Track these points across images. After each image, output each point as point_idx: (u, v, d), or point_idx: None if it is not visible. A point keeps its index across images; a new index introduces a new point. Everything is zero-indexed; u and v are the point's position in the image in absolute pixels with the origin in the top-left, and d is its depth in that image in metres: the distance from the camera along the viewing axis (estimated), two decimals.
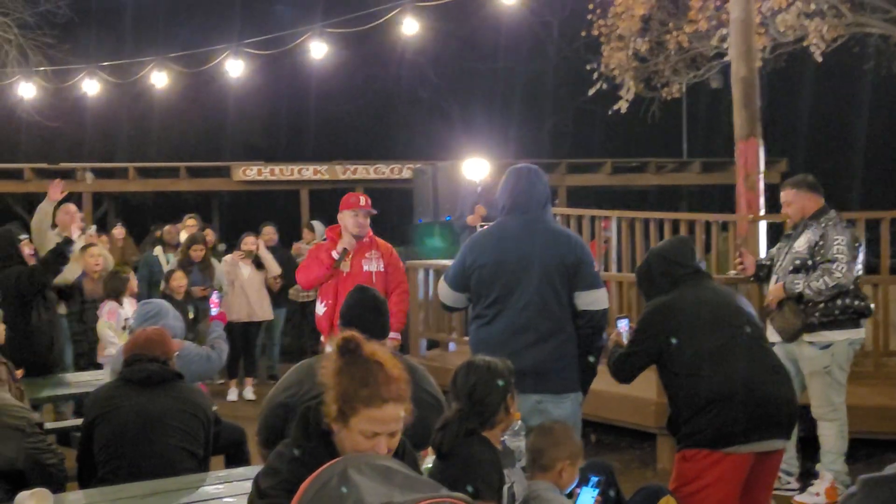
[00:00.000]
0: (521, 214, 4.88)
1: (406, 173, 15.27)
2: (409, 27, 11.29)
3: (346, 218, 6.65)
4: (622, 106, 13.75)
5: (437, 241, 11.30)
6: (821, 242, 6.16)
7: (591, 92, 14.06)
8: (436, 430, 3.76)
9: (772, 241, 7.64)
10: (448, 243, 11.30)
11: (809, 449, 6.48)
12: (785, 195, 6.46)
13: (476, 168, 10.82)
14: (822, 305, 6.13)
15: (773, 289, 6.34)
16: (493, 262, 4.82)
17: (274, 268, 10.37)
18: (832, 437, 6.25)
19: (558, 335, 4.74)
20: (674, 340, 4.53)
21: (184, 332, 6.09)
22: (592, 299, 4.77)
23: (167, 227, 11.76)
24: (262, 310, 10.39)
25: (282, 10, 22.61)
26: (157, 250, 11.07)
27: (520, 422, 4.18)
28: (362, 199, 6.76)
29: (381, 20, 11.31)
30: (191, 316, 8.89)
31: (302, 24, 13.07)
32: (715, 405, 4.39)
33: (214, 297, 7.22)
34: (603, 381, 7.82)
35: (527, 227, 4.84)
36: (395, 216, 19.33)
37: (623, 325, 4.98)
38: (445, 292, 5.10)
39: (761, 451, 4.43)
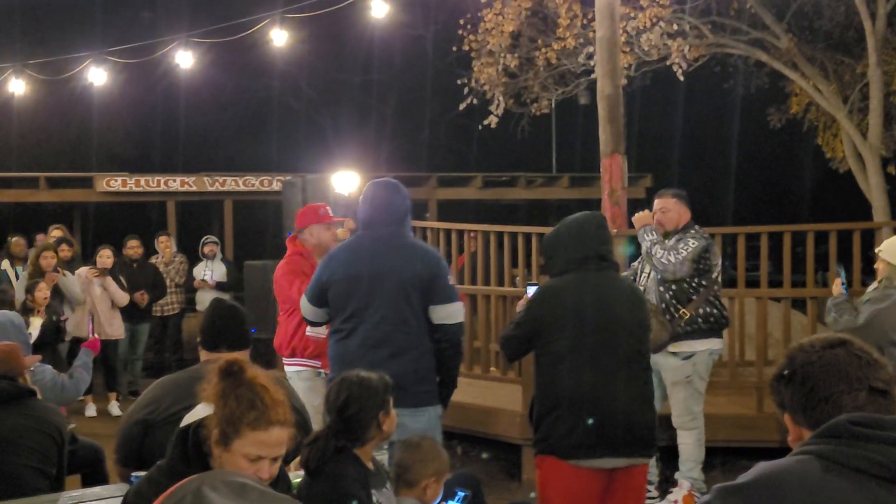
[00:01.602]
0: (378, 229, 4.86)
1: (276, 185, 15.09)
2: (279, 38, 11.21)
3: (320, 232, 6.34)
4: (492, 121, 13.91)
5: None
6: (680, 245, 6.40)
7: (462, 107, 14.18)
8: (304, 446, 3.71)
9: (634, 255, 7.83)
10: None
11: (668, 457, 6.64)
12: (664, 203, 6.63)
13: (346, 181, 10.78)
14: (687, 316, 6.33)
15: (641, 215, 6.65)
16: (349, 277, 4.79)
17: (120, 299, 10.14)
18: (690, 445, 6.44)
19: (415, 349, 4.71)
20: (547, 328, 4.49)
21: (29, 349, 5.85)
22: (447, 313, 4.74)
23: (15, 239, 11.35)
24: (112, 328, 10.16)
25: (148, 17, 22.13)
26: (5, 263, 10.72)
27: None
28: (330, 210, 6.53)
29: (250, 31, 11.19)
30: (56, 318, 8.66)
31: (170, 32, 12.84)
32: (562, 410, 4.37)
33: (89, 322, 7.07)
34: (469, 393, 7.94)
35: (382, 241, 4.82)
36: (265, 229, 19.13)
37: (532, 293, 4.87)
38: (306, 307, 5.06)
39: (612, 468, 4.39)
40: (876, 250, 6.02)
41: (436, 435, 4.67)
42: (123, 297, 10.18)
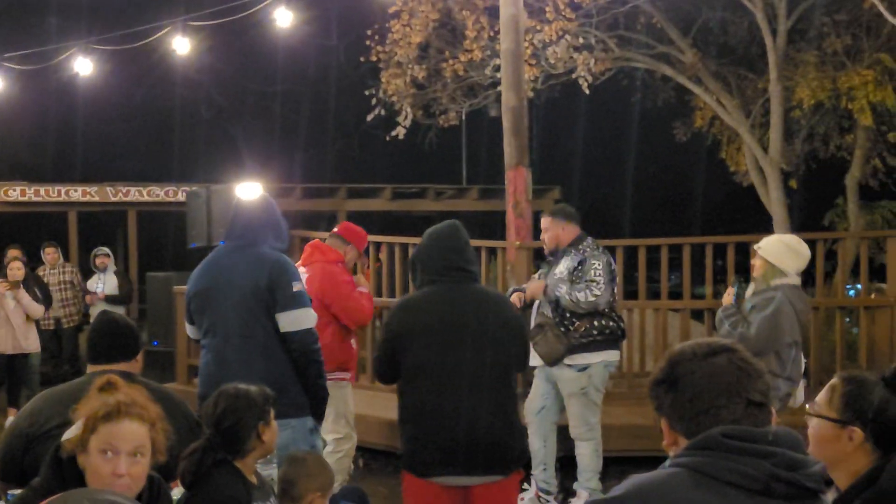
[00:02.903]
0: (233, 241, 4.84)
1: (182, 196, 14.85)
2: (183, 47, 11.02)
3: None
4: (400, 132, 13.89)
5: None
6: (580, 267, 6.38)
7: (370, 117, 14.13)
8: (182, 459, 3.63)
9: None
10: None
11: (567, 468, 6.67)
12: (543, 222, 6.68)
13: (250, 192, 10.62)
14: (582, 328, 6.34)
15: (535, 285, 6.53)
16: (202, 291, 4.79)
17: (35, 311, 9.88)
18: (588, 455, 6.47)
19: (266, 360, 4.62)
20: (402, 343, 4.41)
21: None
22: (292, 320, 4.65)
23: None
24: (28, 341, 9.90)
25: (46, 23, 21.62)
26: None
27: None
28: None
29: (150, 39, 10.99)
30: None
31: (69, 39, 12.52)
32: (415, 426, 4.33)
33: None
34: (370, 405, 7.89)
35: (233, 253, 4.79)
36: (171, 240, 18.81)
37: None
38: (186, 325, 5.03)
39: (467, 485, 4.30)
40: (755, 247, 6.04)
41: (309, 447, 4.59)
42: (38, 310, 9.91)
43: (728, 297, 6.03)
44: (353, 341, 6.52)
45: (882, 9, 10.65)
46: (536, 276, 6.90)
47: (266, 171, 15.49)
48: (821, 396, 2.77)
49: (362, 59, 13.83)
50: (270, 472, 4.08)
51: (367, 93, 14.04)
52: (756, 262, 5.94)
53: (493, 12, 12.14)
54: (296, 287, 4.71)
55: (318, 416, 4.87)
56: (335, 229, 6.70)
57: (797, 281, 5.92)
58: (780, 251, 5.87)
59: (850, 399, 2.69)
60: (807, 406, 2.86)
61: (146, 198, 15.84)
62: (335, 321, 6.18)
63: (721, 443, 2.08)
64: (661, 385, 2.25)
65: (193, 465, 3.57)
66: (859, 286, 9.34)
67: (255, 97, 25.77)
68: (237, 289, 4.65)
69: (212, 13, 10.77)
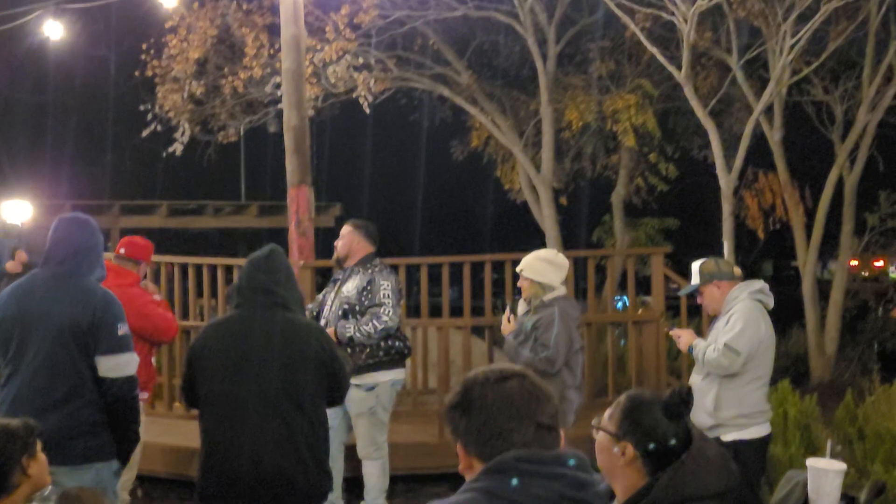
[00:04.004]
0: (51, 267, 4.49)
1: None
2: None
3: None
4: (177, 148, 13.57)
5: None
6: (368, 287, 6.38)
7: (145, 133, 13.72)
8: None
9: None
10: None
11: (353, 488, 6.69)
12: (344, 229, 6.68)
13: (15, 210, 10.12)
14: (367, 349, 6.37)
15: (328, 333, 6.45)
16: (11, 318, 4.41)
17: None
18: (376, 475, 6.50)
19: (73, 402, 4.33)
20: (195, 368, 4.35)
21: None
22: (113, 365, 4.36)
23: None
24: None
25: None
26: None
27: (50, 486, 3.89)
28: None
29: None
30: None
31: None
32: (204, 455, 4.28)
33: None
34: (149, 432, 7.61)
35: (51, 281, 4.45)
36: None
37: None
38: None
39: None
40: (518, 269, 6.26)
41: (109, 492, 4.38)
42: None
43: (510, 323, 6.22)
44: (153, 359, 6.32)
45: (642, 38, 11.29)
46: (320, 295, 6.87)
47: (33, 188, 14.76)
48: (608, 410, 2.92)
49: (137, 73, 13.40)
50: None
51: (141, 108, 13.61)
52: (523, 284, 6.18)
53: (273, 30, 12.08)
54: (121, 330, 4.41)
55: (125, 459, 4.62)
56: (120, 250, 6.36)
57: (564, 290, 6.21)
58: (542, 268, 6.13)
59: (627, 415, 2.84)
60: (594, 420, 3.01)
61: None
62: (139, 341, 5.71)
63: (514, 466, 2.17)
64: (455, 409, 2.32)
65: None
66: (626, 298, 9.85)
67: (22, 109, 24.52)
68: (53, 323, 4.32)
69: None
